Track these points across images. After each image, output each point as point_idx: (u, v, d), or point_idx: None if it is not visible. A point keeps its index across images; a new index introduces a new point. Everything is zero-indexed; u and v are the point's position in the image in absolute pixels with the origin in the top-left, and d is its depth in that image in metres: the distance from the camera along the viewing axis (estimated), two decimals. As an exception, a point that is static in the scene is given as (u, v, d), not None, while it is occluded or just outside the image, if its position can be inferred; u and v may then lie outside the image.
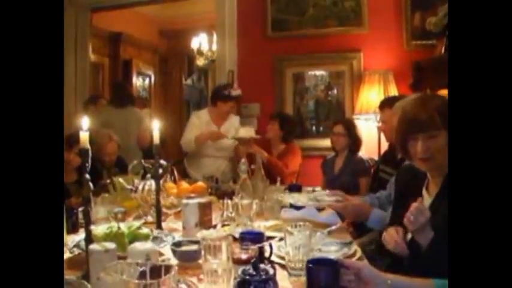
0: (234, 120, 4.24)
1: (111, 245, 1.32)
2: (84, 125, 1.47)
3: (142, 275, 1.04)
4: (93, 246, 1.32)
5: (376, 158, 3.91)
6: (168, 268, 1.04)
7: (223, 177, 3.72)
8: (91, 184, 1.48)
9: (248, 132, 3.84)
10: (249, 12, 4.81)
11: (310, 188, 3.30)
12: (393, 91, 4.14)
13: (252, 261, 1.34)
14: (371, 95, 4.22)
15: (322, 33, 4.64)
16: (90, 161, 1.48)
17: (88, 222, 1.50)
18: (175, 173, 2.99)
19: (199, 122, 4.16)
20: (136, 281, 0.95)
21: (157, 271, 1.03)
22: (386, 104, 3.07)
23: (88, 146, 1.46)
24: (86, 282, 1.37)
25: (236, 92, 4.14)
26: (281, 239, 1.72)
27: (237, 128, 4.08)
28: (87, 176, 1.47)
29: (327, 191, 2.54)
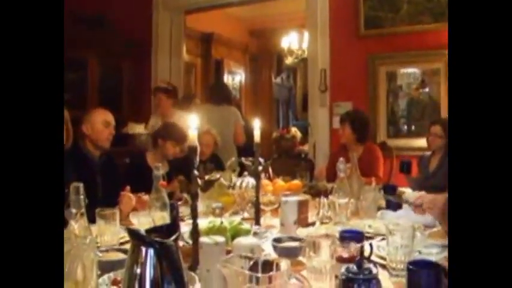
0: None
1: (220, 239, 1.37)
2: (193, 123, 1.54)
3: (253, 268, 1.07)
4: (204, 239, 1.38)
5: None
6: (279, 263, 1.07)
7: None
8: (199, 180, 1.55)
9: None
10: (341, 10, 4.77)
11: (402, 189, 3.25)
12: (493, 89, 3.94)
13: (357, 259, 1.35)
14: (469, 93, 4.05)
15: (417, 29, 4.50)
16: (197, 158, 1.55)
17: (195, 216, 1.57)
18: (270, 170, 3.04)
19: None
20: (253, 274, 0.99)
21: (269, 266, 1.06)
22: None
23: (197, 144, 1.53)
24: (193, 273, 1.44)
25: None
26: (383, 239, 1.71)
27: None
28: (196, 172, 1.54)
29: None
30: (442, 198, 2.11)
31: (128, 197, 2.40)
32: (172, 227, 1.00)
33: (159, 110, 4.64)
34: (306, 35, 5.60)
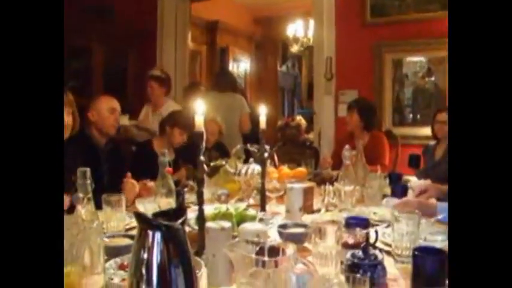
0: None
1: (226, 224, 1.37)
2: (200, 109, 1.54)
3: (259, 253, 1.08)
4: (210, 224, 1.38)
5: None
6: (285, 248, 1.07)
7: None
8: (205, 166, 1.55)
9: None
10: (347, -3, 4.75)
11: (407, 177, 3.25)
12: (500, 77, 3.92)
13: (362, 245, 1.36)
14: (475, 82, 4.03)
15: (423, 17, 4.46)
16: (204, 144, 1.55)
17: (201, 201, 1.58)
18: (276, 157, 3.04)
19: None
20: (260, 257, 0.99)
21: (275, 251, 1.07)
22: None
23: (203, 129, 1.54)
24: (199, 259, 1.44)
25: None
26: (388, 226, 1.71)
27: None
28: (202, 158, 1.54)
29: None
30: (414, 202, 2.16)
31: (131, 183, 2.41)
32: (179, 211, 1.00)
33: (151, 99, 4.52)
34: (312, 22, 5.58)
